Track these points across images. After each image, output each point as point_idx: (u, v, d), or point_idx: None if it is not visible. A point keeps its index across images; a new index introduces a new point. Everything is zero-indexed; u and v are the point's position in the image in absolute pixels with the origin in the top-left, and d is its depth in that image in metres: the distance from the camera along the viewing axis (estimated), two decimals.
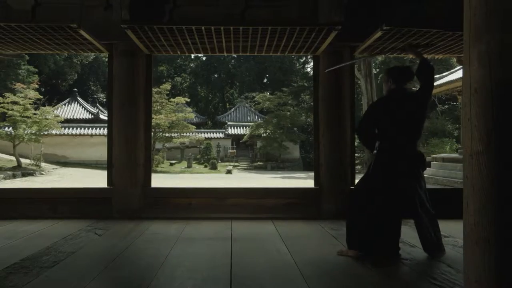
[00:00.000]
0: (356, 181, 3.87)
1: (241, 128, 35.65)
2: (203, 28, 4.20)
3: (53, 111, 23.53)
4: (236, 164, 31.32)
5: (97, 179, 16.59)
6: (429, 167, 16.02)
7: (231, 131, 35.80)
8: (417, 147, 3.37)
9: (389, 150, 3.27)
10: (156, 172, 22.85)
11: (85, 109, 35.46)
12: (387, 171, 3.24)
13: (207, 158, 30.10)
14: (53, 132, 23.15)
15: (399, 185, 3.21)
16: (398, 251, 3.29)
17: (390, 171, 3.23)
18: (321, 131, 5.06)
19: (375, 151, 3.37)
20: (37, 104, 22.30)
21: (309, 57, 33.56)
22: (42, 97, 22.74)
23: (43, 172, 21.01)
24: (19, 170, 19.87)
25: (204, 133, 34.77)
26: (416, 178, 3.30)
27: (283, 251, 3.43)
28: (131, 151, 4.91)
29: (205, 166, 28.76)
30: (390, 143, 3.28)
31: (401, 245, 3.59)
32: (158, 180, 12.07)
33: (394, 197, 3.20)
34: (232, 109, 41.22)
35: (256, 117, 38.11)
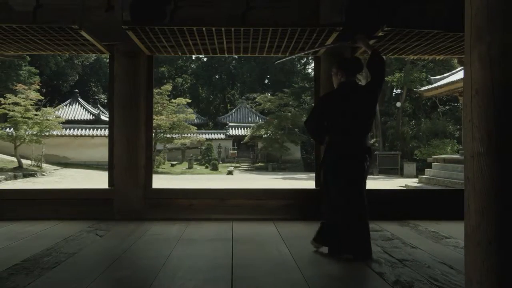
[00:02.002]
0: None
1: (242, 129, 35.67)
2: (204, 29, 4.21)
3: (54, 112, 23.63)
4: (237, 165, 31.34)
5: (98, 180, 16.62)
6: (430, 168, 16.03)
7: (232, 132, 35.83)
8: (367, 140, 3.31)
9: (340, 143, 3.23)
10: (157, 173, 22.89)
11: (86, 110, 35.51)
12: (339, 165, 3.20)
13: (208, 159, 30.11)
14: (54, 133, 23.20)
15: (350, 178, 3.17)
16: (368, 252, 3.16)
17: (342, 165, 3.19)
18: None
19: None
20: (38, 105, 22.35)
21: (310, 58, 33.56)
22: (43, 98, 22.80)
23: (44, 173, 21.05)
24: (20, 171, 19.91)
25: (205, 134, 34.80)
26: (364, 171, 3.25)
27: (284, 251, 3.43)
28: (132, 152, 4.91)
29: (206, 167, 28.77)
30: (341, 136, 3.24)
31: (402, 245, 3.60)
32: (159, 181, 12.10)
33: (350, 192, 3.15)
34: (233, 110, 41.24)
35: (257, 118, 38.11)
